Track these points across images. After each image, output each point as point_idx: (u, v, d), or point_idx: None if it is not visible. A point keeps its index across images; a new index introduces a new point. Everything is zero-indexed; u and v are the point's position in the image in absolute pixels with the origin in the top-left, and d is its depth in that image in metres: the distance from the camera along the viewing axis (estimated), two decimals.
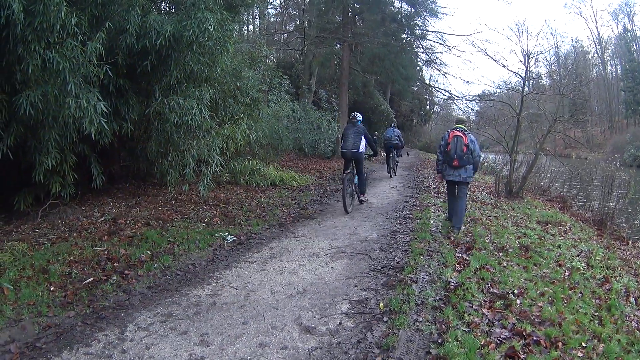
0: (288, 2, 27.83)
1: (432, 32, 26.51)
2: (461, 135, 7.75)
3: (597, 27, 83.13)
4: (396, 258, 6.30)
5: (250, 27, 29.23)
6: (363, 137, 9.81)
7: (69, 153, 7.29)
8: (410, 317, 4.32)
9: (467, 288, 5.06)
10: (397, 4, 27.04)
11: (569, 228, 9.97)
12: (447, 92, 33.24)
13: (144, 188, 10.13)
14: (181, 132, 8.22)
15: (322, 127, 21.05)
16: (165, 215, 8.11)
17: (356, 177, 10.26)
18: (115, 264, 5.54)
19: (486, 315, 4.40)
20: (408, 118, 45.58)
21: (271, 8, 27.57)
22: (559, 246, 7.75)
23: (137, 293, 4.92)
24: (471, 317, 4.33)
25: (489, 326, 4.20)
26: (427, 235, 7.48)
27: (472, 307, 4.60)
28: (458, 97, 26.54)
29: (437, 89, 32.73)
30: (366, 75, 27.67)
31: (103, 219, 7.56)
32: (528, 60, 14.49)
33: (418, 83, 38.91)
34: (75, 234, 6.65)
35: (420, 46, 28.93)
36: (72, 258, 5.62)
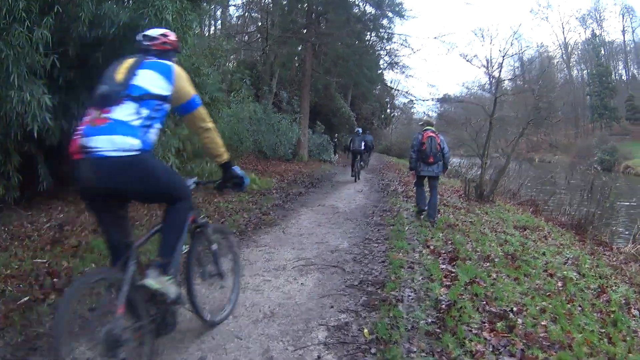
0: (251, 2, 27.08)
1: (398, 34, 26.32)
2: (434, 135, 8.62)
3: (563, 33, 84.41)
4: (374, 271, 5.52)
5: (212, 28, 28.29)
6: (363, 141, 17.00)
7: (13, 153, 6.50)
8: (402, 346, 3.54)
9: (461, 307, 4.36)
10: (362, 6, 26.61)
11: (547, 233, 9.64)
12: (411, 95, 33.12)
13: None
14: None
15: (282, 129, 20.37)
16: None
17: (361, 162, 17.41)
18: (55, 280, 4.56)
19: (489, 341, 3.69)
20: (369, 121, 45.00)
21: (233, 6, 26.87)
22: (544, 253, 7.32)
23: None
24: (473, 343, 3.61)
25: (496, 354, 3.51)
26: (404, 244, 6.76)
27: (471, 331, 3.89)
28: (425, 99, 26.58)
29: (401, 92, 32.28)
30: (328, 77, 27.07)
31: (48, 225, 6.61)
32: (502, 60, 14.58)
33: (379, 86, 38.53)
34: (16, 243, 5.71)
35: (385, 49, 28.62)
36: (9, 272, 4.68)
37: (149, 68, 2.90)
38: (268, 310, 4.20)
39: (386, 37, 26.62)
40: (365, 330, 3.81)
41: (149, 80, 2.85)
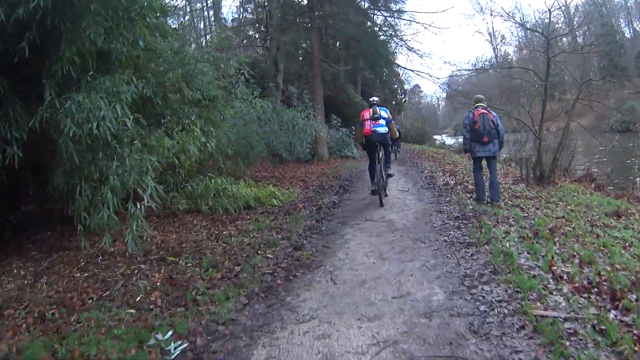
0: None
1: (406, 12, 24.12)
2: (486, 112, 8.23)
3: None
4: (521, 357, 2.97)
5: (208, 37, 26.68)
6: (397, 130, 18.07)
7: None
8: None
9: None
10: None
11: None
12: (427, 73, 30.87)
13: (69, 237, 6.84)
14: (96, 149, 5.28)
15: (298, 125, 17.87)
16: (78, 291, 4.85)
17: (396, 145, 20.18)
18: None
19: None
20: None
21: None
22: None
23: None
24: None
25: None
26: (530, 282, 4.18)
27: None
28: (437, 77, 24.80)
29: (417, 72, 29.95)
30: (336, 66, 25.58)
31: None
32: (550, 16, 13.21)
33: (387, 72, 36.33)
34: None
35: (394, 27, 26.40)
36: None
37: (383, 110, 9.08)
38: None
39: (396, 14, 24.39)
40: None
41: (384, 113, 9.04)
